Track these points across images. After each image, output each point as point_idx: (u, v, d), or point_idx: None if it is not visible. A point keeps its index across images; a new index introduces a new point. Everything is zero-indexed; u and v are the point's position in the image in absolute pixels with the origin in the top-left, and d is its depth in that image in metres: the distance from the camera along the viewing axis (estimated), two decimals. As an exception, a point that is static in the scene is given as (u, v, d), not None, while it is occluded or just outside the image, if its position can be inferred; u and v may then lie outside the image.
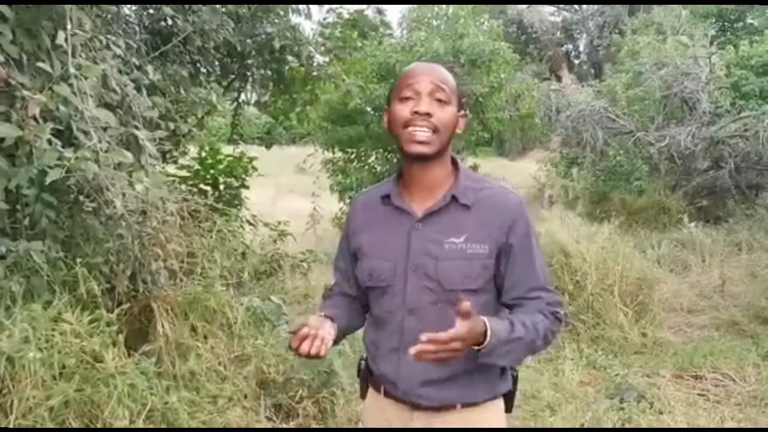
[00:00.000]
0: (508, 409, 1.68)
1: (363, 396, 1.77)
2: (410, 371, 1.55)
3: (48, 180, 2.05)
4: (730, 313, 5.56)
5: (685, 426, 3.55)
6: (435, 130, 1.49)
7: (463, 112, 1.59)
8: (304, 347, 1.43)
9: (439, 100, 1.50)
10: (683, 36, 9.87)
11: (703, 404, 3.87)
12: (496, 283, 1.58)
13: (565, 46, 27.40)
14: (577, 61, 28.03)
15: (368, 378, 1.73)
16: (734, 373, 4.23)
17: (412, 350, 1.30)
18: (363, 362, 1.75)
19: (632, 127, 9.72)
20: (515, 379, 1.68)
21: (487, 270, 1.53)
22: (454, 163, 1.62)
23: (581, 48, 28.25)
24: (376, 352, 1.65)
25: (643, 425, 3.54)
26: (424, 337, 1.29)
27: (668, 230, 8.55)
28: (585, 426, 3.57)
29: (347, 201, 8.71)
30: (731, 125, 9.20)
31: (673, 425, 3.52)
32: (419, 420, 1.61)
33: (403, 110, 1.51)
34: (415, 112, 1.48)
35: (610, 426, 3.53)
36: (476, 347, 1.39)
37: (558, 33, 26.03)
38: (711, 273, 6.74)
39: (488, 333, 1.38)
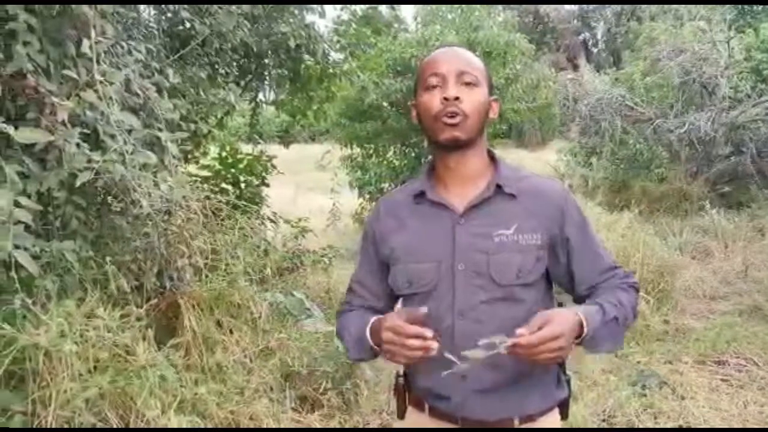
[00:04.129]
0: (564, 416, 1.54)
1: (401, 416, 1.58)
2: (466, 382, 1.39)
3: (78, 182, 2.13)
4: (753, 299, 5.53)
5: (708, 410, 3.56)
6: (466, 115, 1.37)
7: (494, 96, 1.47)
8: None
9: (467, 83, 1.38)
10: (701, 21, 9.75)
11: (725, 389, 3.87)
12: (555, 276, 1.49)
13: (583, 34, 27.14)
14: (595, 50, 27.77)
15: (406, 395, 1.56)
16: (757, 358, 4.23)
17: (508, 343, 1.21)
18: (400, 378, 1.57)
19: (651, 114, 9.63)
20: (568, 383, 1.54)
21: (541, 261, 1.41)
22: (491, 154, 1.50)
23: (599, 36, 27.97)
24: (420, 364, 1.39)
25: (665, 411, 3.56)
26: (522, 330, 1.22)
27: (690, 217, 8.48)
28: (607, 412, 3.60)
29: (366, 196, 8.76)
30: (752, 110, 9.05)
31: (695, 410, 3.54)
32: None
33: (431, 100, 1.39)
34: (444, 98, 1.36)
35: (632, 411, 3.55)
36: (576, 339, 1.30)
37: (575, 21, 25.78)
38: (734, 259, 6.69)
39: (584, 322, 1.29)
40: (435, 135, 1.41)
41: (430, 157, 1.55)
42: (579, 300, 1.49)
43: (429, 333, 1.25)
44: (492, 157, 1.50)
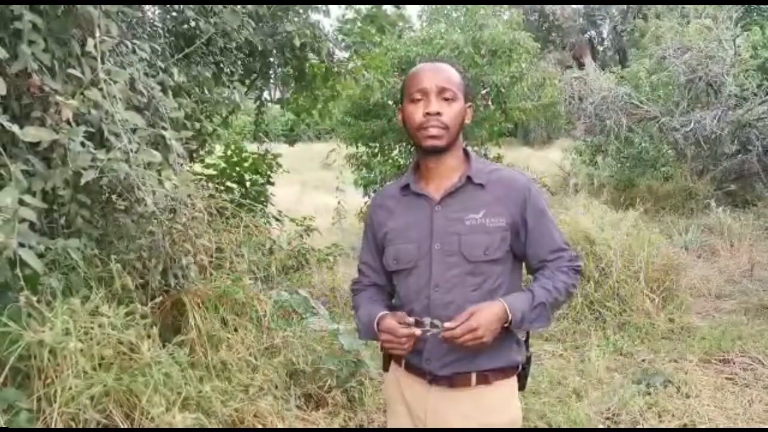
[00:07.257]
0: (521, 387, 1.79)
1: (386, 368, 1.89)
2: (436, 342, 1.67)
3: (82, 181, 2.13)
4: (759, 297, 5.51)
5: (713, 409, 3.55)
6: (445, 127, 1.64)
7: (469, 103, 1.72)
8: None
9: (446, 99, 1.64)
10: (707, 19, 9.70)
11: (731, 388, 3.86)
12: (517, 254, 1.72)
13: (588, 32, 26.98)
14: (600, 48, 27.62)
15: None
16: (763, 357, 4.21)
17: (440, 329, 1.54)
18: None
19: (657, 112, 9.61)
20: (529, 359, 1.79)
21: (505, 241, 1.67)
22: (466, 152, 1.77)
23: (605, 34, 27.82)
24: None
25: (670, 409, 3.55)
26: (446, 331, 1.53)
27: (695, 216, 8.46)
28: (612, 411, 3.59)
29: (372, 195, 8.76)
30: (758, 108, 9.01)
31: (700, 409, 3.53)
32: (435, 395, 1.72)
33: (415, 112, 1.65)
34: (427, 113, 1.62)
35: (636, 410, 3.54)
36: (505, 324, 1.59)
37: (580, 20, 25.64)
38: (739, 257, 6.67)
39: (508, 310, 1.58)
40: (418, 141, 1.67)
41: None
42: (532, 272, 1.77)
43: (418, 332, 1.59)
44: (466, 153, 1.77)
